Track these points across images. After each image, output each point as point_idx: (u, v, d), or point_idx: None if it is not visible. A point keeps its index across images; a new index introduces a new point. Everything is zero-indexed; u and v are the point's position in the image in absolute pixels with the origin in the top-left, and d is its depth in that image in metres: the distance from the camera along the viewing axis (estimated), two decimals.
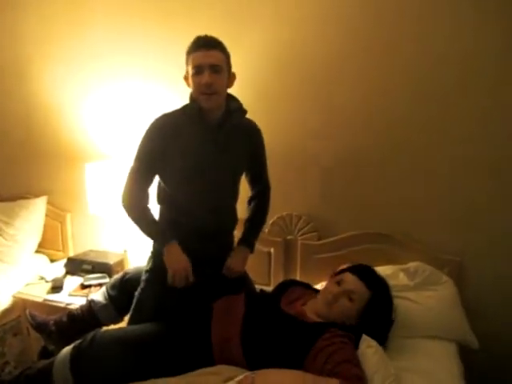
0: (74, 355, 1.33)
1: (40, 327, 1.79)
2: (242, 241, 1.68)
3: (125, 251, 2.20)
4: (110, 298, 1.78)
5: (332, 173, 1.91)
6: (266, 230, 2.00)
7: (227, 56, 1.43)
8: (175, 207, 1.53)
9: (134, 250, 2.23)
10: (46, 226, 2.42)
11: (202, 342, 1.36)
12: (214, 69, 1.37)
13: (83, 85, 2.28)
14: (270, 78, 1.92)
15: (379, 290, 1.50)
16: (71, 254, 2.39)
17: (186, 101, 1.47)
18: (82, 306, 1.83)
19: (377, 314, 1.45)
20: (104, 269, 2.17)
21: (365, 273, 1.53)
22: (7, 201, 2.40)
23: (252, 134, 1.60)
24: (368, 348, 1.29)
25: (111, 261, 2.20)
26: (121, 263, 2.21)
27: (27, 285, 2.17)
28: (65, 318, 1.78)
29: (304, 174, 1.96)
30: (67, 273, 2.21)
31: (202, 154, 1.46)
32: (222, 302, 1.51)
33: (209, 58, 1.36)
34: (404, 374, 1.31)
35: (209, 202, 1.51)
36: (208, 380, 1.12)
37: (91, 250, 2.32)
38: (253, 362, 1.29)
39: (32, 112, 2.42)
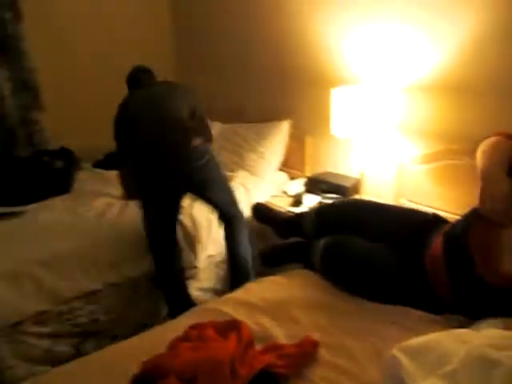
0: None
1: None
2: None
3: (361, 175, 2.27)
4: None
5: None
6: None
7: None
8: None
9: (371, 175, 2.29)
10: (287, 146, 2.65)
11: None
12: None
13: (342, 24, 2.31)
14: None
15: None
16: (307, 173, 2.59)
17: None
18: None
19: None
20: (340, 190, 2.30)
21: None
22: (255, 122, 2.71)
23: None
24: None
25: (347, 183, 2.30)
26: (356, 186, 2.30)
27: (272, 196, 2.48)
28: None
29: None
30: (306, 190, 2.42)
31: None
32: None
33: None
34: None
35: None
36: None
37: (328, 172, 2.47)
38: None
39: (282, 37, 2.59)
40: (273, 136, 2.58)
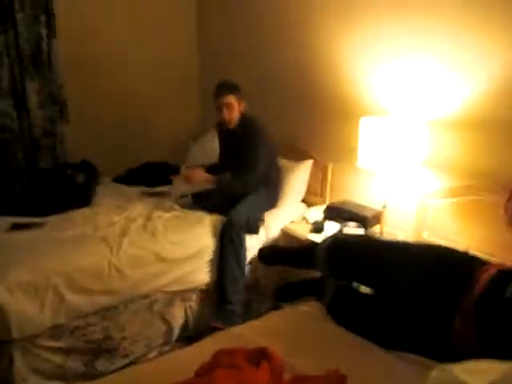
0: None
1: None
2: None
3: (383, 206, 2.26)
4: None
5: None
6: None
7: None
8: None
9: (393, 207, 2.29)
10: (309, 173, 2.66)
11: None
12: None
13: (373, 56, 2.34)
14: None
15: None
16: (328, 201, 2.60)
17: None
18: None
19: None
20: (360, 220, 2.29)
21: None
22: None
23: None
24: None
25: (368, 213, 2.30)
26: (377, 217, 2.29)
27: (292, 222, 2.48)
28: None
29: None
30: (325, 218, 2.42)
31: None
32: None
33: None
34: None
35: None
36: None
37: (349, 201, 2.48)
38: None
39: (309, 67, 2.65)
40: (296, 175, 2.63)
